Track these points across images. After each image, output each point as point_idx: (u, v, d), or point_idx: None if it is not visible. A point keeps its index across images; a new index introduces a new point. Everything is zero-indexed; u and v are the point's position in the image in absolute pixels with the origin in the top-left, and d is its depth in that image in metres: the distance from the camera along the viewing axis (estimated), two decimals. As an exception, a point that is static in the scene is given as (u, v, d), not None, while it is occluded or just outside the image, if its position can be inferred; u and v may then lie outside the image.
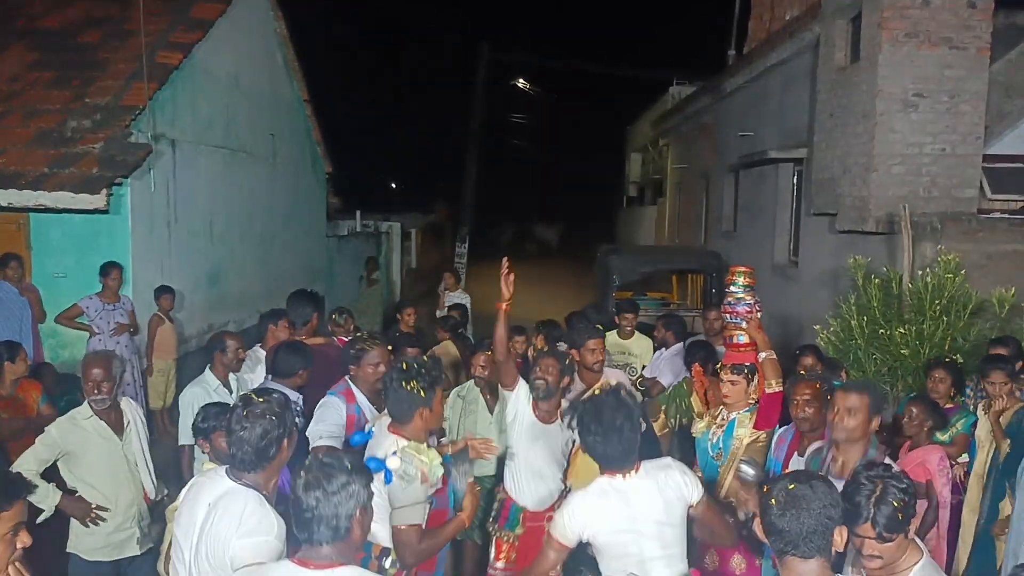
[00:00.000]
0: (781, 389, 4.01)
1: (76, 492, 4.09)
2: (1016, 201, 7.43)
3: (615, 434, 2.96)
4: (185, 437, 4.60)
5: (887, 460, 3.44)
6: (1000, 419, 4.65)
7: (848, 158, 7.65)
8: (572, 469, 4.31)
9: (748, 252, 11.08)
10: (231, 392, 4.96)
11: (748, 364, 4.14)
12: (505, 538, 4.29)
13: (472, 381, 5.02)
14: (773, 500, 2.24)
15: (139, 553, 4.22)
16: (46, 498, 3.95)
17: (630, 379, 6.20)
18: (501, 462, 4.72)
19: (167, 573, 2.99)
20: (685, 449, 5.37)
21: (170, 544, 3.01)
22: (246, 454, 2.69)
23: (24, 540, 2.32)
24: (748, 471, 3.61)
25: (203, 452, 3.55)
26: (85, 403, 4.15)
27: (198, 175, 9.60)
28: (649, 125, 20.84)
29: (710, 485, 4.21)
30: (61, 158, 7.97)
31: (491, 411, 4.93)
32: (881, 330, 6.22)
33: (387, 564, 3.16)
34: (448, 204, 28.00)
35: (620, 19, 39.41)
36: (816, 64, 8.62)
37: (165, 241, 8.91)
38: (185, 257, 9.31)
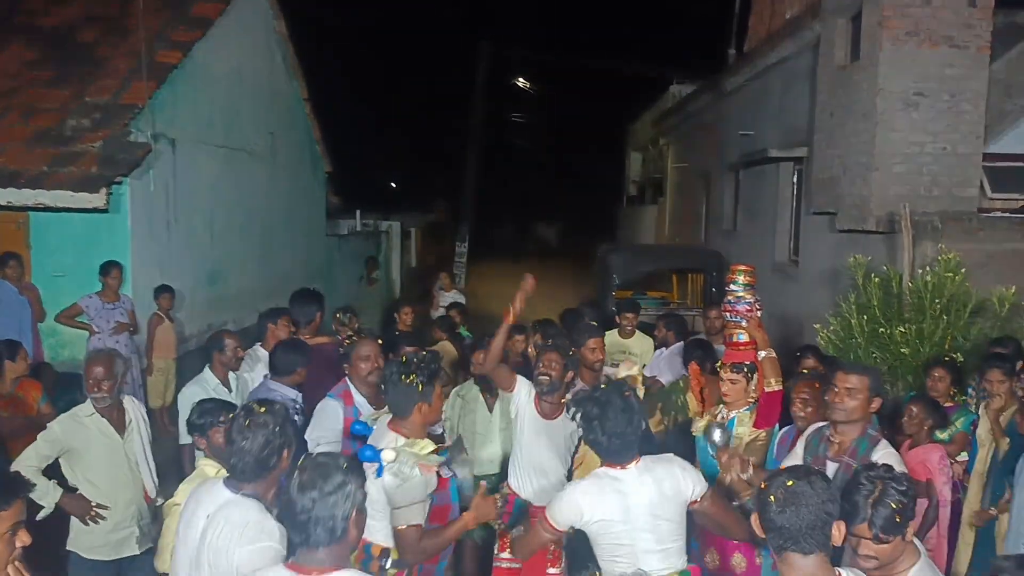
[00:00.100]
0: (781, 388, 4.01)
1: (77, 490, 4.10)
2: (1017, 200, 7.43)
3: (616, 427, 2.98)
4: (185, 436, 4.59)
5: (888, 448, 3.42)
6: (1000, 418, 4.65)
7: (848, 157, 7.65)
8: (579, 461, 4.31)
9: (748, 251, 11.07)
10: (230, 391, 4.96)
11: (748, 363, 4.14)
12: (509, 535, 4.29)
13: (472, 380, 5.01)
14: (772, 497, 2.23)
15: (138, 553, 4.22)
16: (46, 495, 3.96)
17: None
18: (506, 459, 4.72)
19: (166, 569, 2.99)
20: (682, 446, 5.35)
21: (169, 543, 3.00)
22: (247, 464, 2.69)
23: (24, 539, 2.31)
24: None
25: (199, 449, 3.54)
26: (88, 400, 4.15)
27: (198, 174, 9.59)
28: (649, 124, 20.83)
29: (710, 481, 4.22)
30: (60, 157, 7.96)
31: (491, 410, 4.93)
32: (881, 329, 6.21)
33: (387, 565, 3.15)
34: (448, 203, 28.02)
35: (620, 18, 39.40)
36: (816, 63, 8.62)
37: (165, 240, 8.90)
38: (185, 256, 9.30)
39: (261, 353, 5.22)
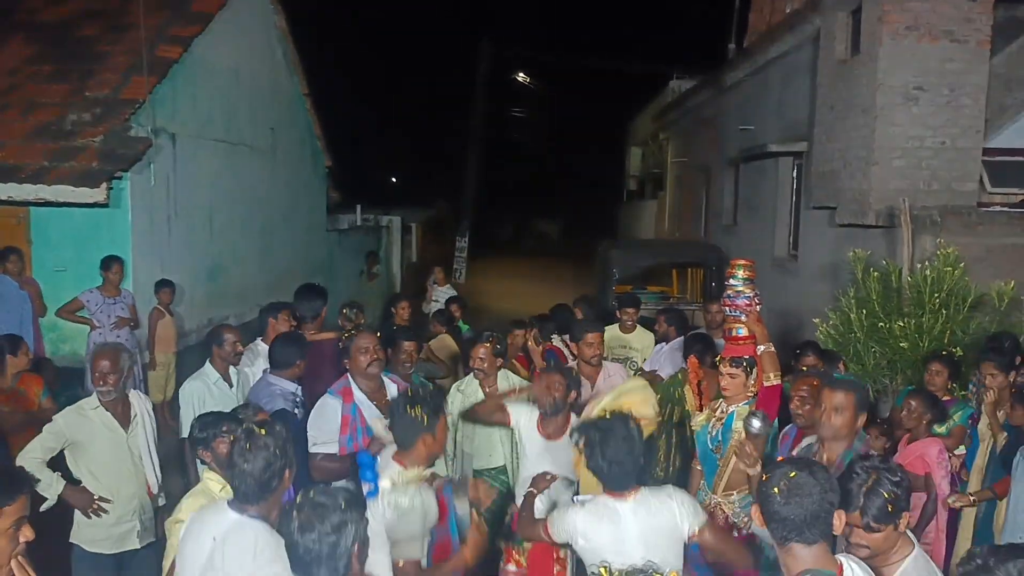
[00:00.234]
0: (780, 382, 4.02)
1: (80, 483, 4.12)
2: (1016, 194, 7.43)
3: (617, 455, 3.07)
4: (187, 431, 4.61)
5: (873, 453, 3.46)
6: (999, 413, 4.66)
7: (848, 151, 7.65)
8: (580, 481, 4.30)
9: (748, 246, 11.07)
10: (231, 386, 4.97)
11: (747, 357, 4.15)
12: (515, 548, 4.30)
13: (471, 375, 5.02)
14: (776, 489, 2.26)
15: (139, 547, 4.24)
16: (50, 487, 3.99)
17: (630, 372, 6.21)
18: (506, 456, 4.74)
19: None
20: (679, 439, 5.37)
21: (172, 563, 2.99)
22: (249, 487, 2.70)
23: (27, 534, 2.33)
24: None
25: (203, 462, 3.54)
26: (93, 394, 4.17)
27: (198, 169, 9.59)
28: (649, 119, 20.81)
29: (709, 477, 4.23)
30: (61, 152, 7.97)
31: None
32: (880, 323, 6.22)
33: None
34: (449, 198, 27.98)
35: (620, 13, 39.33)
36: (816, 57, 8.61)
37: (165, 235, 8.91)
38: (185, 251, 9.31)
39: (261, 348, 5.24)
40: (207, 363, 4.99)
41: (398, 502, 3.09)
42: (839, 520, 2.30)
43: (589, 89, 33.26)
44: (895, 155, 7.13)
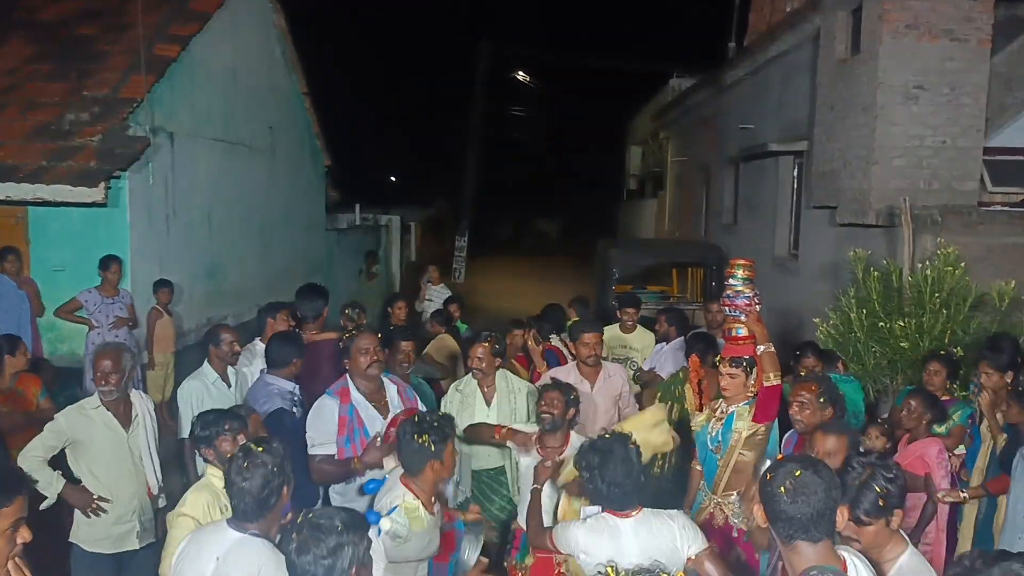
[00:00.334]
0: (780, 382, 4.01)
1: (81, 482, 4.11)
2: (1017, 194, 7.42)
3: (615, 477, 3.10)
4: (186, 431, 4.60)
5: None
6: (998, 413, 4.64)
7: (849, 151, 7.63)
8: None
9: (748, 245, 11.06)
10: (229, 386, 4.96)
11: (747, 357, 4.13)
12: (518, 567, 4.29)
13: (470, 374, 5.00)
14: (782, 488, 2.26)
15: (138, 548, 4.23)
16: (50, 486, 3.99)
17: (630, 372, 6.20)
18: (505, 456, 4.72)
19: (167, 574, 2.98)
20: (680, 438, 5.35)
21: (172, 552, 2.98)
22: (248, 504, 2.71)
23: (24, 536, 2.31)
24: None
25: (206, 460, 3.53)
26: (95, 393, 4.17)
27: (196, 168, 9.58)
28: (649, 118, 20.80)
29: (709, 477, 4.22)
30: (59, 151, 7.95)
31: (488, 404, 4.92)
32: (881, 323, 6.21)
33: None
34: (448, 198, 27.98)
35: (620, 12, 39.31)
36: (817, 56, 8.60)
37: (163, 234, 8.89)
38: (184, 250, 9.29)
39: (259, 348, 5.22)
40: (205, 363, 4.99)
41: (397, 532, 3.12)
42: (841, 516, 2.32)
43: (589, 88, 33.27)
44: (895, 154, 7.11)
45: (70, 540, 4.17)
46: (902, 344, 6.07)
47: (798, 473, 2.27)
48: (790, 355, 5.67)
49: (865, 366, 6.27)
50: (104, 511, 4.10)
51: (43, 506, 3.93)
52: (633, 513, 3.13)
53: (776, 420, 4.18)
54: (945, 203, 7.01)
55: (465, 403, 4.88)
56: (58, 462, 4.13)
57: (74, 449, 4.11)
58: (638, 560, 2.99)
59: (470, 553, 3.40)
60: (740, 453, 4.08)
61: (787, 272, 10.01)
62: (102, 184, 7.61)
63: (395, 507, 3.19)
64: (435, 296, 10.36)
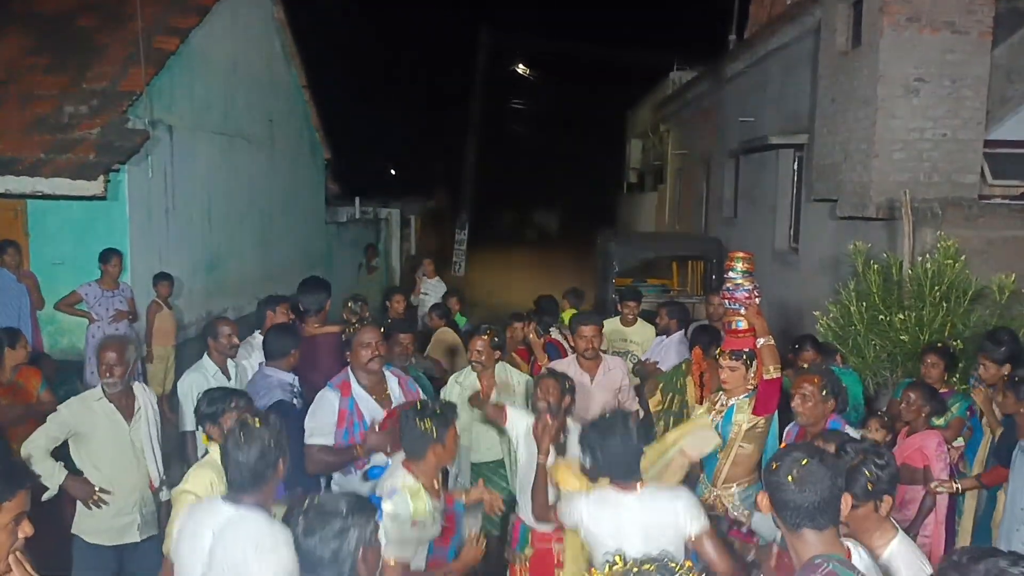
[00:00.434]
0: (779, 375, 4.01)
1: (83, 473, 4.12)
2: (1017, 187, 7.40)
3: (617, 453, 3.12)
4: (188, 424, 4.62)
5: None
6: (995, 405, 4.65)
7: (849, 144, 7.62)
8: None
9: (748, 238, 11.06)
10: (229, 379, 4.97)
11: (747, 350, 4.14)
12: (517, 560, 4.30)
13: (470, 367, 5.01)
14: (790, 477, 2.28)
15: (139, 540, 4.24)
16: (51, 477, 4.00)
17: (630, 365, 6.20)
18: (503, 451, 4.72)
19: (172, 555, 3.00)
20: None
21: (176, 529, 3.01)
22: (244, 476, 2.73)
23: (26, 530, 2.31)
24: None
25: (211, 439, 3.55)
26: (98, 385, 4.18)
27: (196, 161, 9.57)
28: (649, 111, 20.77)
29: (708, 470, 4.23)
30: (58, 144, 7.94)
31: (488, 398, 4.92)
32: (881, 316, 6.21)
33: None
34: (448, 190, 27.94)
35: (621, 4, 39.18)
36: (817, 49, 8.57)
37: (163, 227, 8.88)
38: (183, 244, 9.29)
39: (259, 341, 5.22)
40: (204, 356, 5.00)
41: (397, 513, 3.12)
42: (845, 504, 2.35)
43: (589, 80, 33.16)
44: (896, 147, 7.10)
45: (72, 532, 4.19)
46: (902, 337, 6.07)
47: (804, 462, 2.29)
48: (790, 348, 5.67)
49: (865, 359, 6.27)
50: (105, 503, 4.11)
51: (45, 497, 3.95)
52: (637, 488, 3.14)
53: (776, 413, 4.18)
54: (945, 196, 7.00)
55: (465, 395, 4.88)
56: (62, 454, 4.14)
57: (76, 441, 4.13)
58: (640, 537, 3.01)
59: (471, 521, 3.45)
60: (740, 446, 4.09)
61: (787, 265, 10.01)
62: (101, 177, 7.60)
63: (396, 490, 3.20)
64: (430, 290, 10.36)
